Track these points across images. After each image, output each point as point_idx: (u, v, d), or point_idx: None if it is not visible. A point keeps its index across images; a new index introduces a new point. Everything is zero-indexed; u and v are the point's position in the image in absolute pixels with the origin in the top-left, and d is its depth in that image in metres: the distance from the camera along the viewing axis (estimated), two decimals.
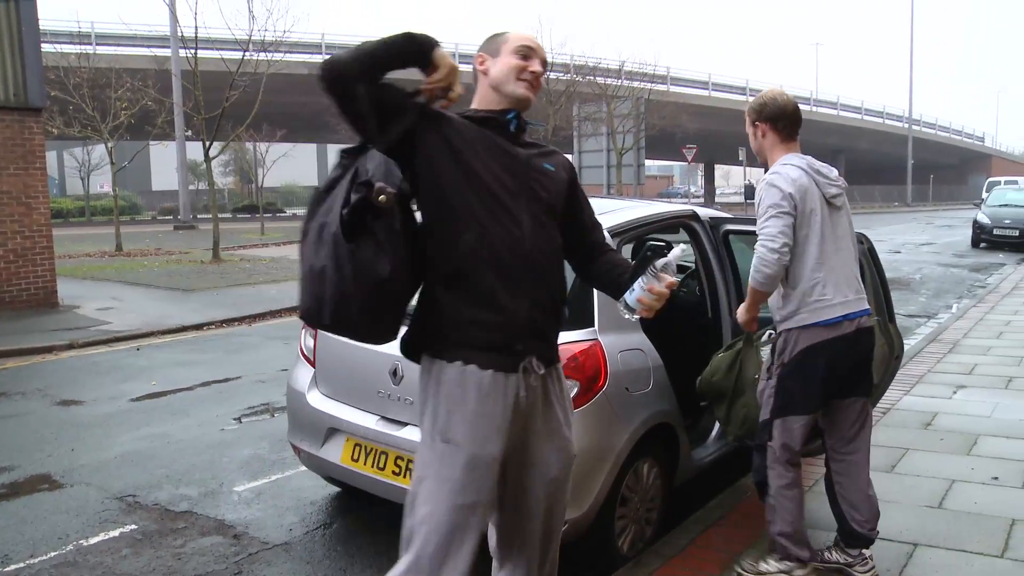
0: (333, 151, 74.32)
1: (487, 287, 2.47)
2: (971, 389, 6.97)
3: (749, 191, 37.50)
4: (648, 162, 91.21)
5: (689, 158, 39.66)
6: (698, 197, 74.58)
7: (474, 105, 2.67)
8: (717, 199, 71.87)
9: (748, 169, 48.85)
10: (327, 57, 2.39)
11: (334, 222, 2.38)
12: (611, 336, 3.83)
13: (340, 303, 2.39)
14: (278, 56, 23.32)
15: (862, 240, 4.22)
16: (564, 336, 3.74)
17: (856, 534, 3.69)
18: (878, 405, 5.40)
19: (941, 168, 76.21)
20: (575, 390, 3.62)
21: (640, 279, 2.57)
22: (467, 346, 2.49)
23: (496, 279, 2.48)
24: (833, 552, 3.78)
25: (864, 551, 3.71)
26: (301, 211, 55.82)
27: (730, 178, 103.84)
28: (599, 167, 31.93)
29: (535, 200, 2.59)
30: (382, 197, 2.36)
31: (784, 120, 3.66)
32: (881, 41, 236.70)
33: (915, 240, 26.28)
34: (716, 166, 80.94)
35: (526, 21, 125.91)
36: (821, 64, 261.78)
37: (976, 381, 7.26)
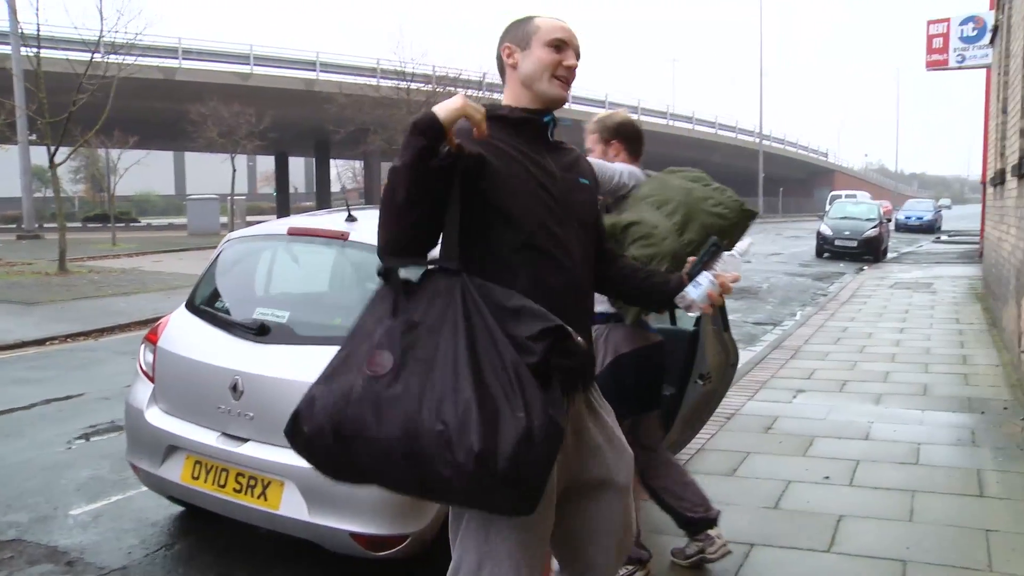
0: (191, 159, 71.76)
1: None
2: (810, 393, 7.31)
3: None
4: None
5: None
6: None
7: (506, 101, 2.46)
8: None
9: None
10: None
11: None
12: None
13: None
14: (130, 60, 22.50)
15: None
16: None
17: (694, 520, 3.83)
18: (720, 410, 5.59)
19: (790, 181, 79.69)
20: None
21: (706, 273, 2.50)
22: None
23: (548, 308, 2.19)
24: (689, 547, 3.90)
25: (710, 532, 3.84)
26: (157, 220, 53.79)
27: None
28: None
29: (581, 226, 2.44)
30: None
31: (636, 141, 3.88)
32: (735, 59, 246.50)
33: (764, 250, 27.37)
34: None
35: (387, 30, 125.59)
36: (678, 80, 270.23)
37: (814, 385, 7.62)
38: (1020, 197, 8.14)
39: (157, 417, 4.24)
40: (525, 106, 2.42)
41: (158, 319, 4.79)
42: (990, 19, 18.31)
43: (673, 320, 4.53)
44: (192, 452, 4.03)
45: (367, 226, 4.24)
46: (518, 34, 2.44)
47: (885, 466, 5.37)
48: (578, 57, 2.45)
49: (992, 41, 15.27)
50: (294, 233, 4.46)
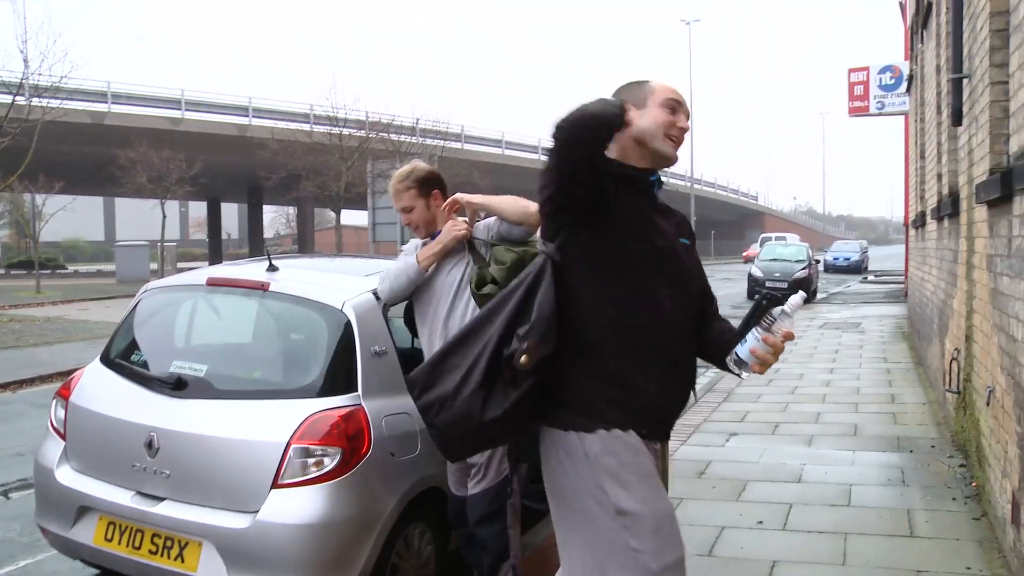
0: (121, 204, 70.36)
1: (620, 365, 2.41)
2: (743, 436, 7.33)
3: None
4: None
5: (483, 214, 40.25)
6: None
7: (615, 156, 2.53)
8: None
9: None
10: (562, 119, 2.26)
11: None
12: (375, 401, 3.74)
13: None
14: (55, 103, 22.11)
15: None
16: (325, 402, 3.66)
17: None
18: None
19: (721, 224, 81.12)
20: (336, 458, 3.51)
21: (754, 330, 2.41)
22: (601, 419, 2.41)
23: (630, 359, 2.42)
24: None
25: None
26: (85, 267, 52.49)
27: None
28: (393, 224, 31.96)
29: (677, 282, 2.52)
30: (523, 359, 2.31)
31: (445, 186, 4.03)
32: None
33: None
34: None
35: (321, 76, 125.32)
36: None
37: (747, 428, 7.64)
38: (940, 239, 8.33)
39: (68, 476, 4.05)
40: (634, 162, 2.55)
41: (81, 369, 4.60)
42: (906, 68, 18.99)
43: None
44: (105, 513, 3.85)
45: (288, 276, 4.15)
46: (634, 95, 2.55)
47: (817, 509, 5.37)
48: (688, 119, 2.58)
49: (908, 89, 15.76)
50: (213, 283, 4.33)
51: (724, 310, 2.72)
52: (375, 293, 3.94)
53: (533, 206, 3.53)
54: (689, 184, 70.59)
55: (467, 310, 3.69)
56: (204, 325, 4.52)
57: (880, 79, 19.69)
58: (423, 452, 3.86)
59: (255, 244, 53.88)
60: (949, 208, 6.87)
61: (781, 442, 7.12)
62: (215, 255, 52.11)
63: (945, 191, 7.74)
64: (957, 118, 5.89)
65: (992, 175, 4.70)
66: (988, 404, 4.94)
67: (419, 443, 3.84)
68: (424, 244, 3.90)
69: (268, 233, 60.23)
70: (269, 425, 3.62)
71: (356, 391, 3.71)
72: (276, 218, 66.68)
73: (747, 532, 5.00)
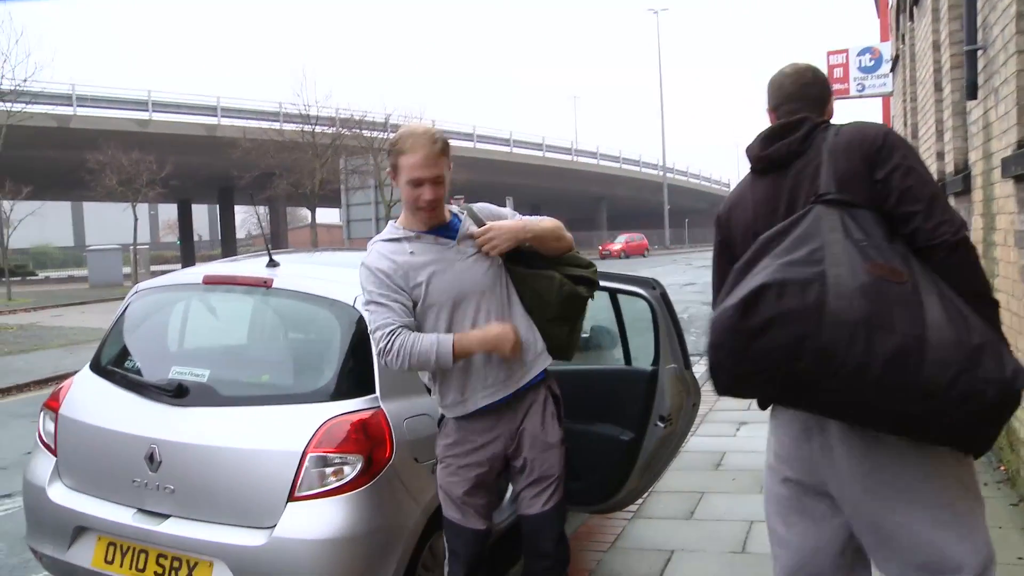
0: (90, 209, 69.47)
1: None
2: (752, 425, 7.12)
3: None
4: None
5: (456, 209, 39.92)
6: None
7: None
8: None
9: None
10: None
11: None
12: (394, 402, 3.48)
13: None
14: (19, 107, 21.61)
15: (655, 285, 4.12)
16: (341, 406, 3.40)
17: None
18: None
19: (695, 212, 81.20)
20: (358, 466, 3.25)
21: None
22: None
23: None
24: None
25: None
26: (56, 273, 51.90)
27: None
28: (368, 220, 31.62)
29: None
30: None
31: None
32: (637, 94, 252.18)
33: (678, 281, 27.56)
34: None
35: (291, 71, 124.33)
36: (581, 116, 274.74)
37: (755, 416, 7.43)
38: None
39: (62, 494, 3.77)
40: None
41: (61, 377, 4.31)
42: (885, 50, 18.90)
43: (628, 359, 4.27)
44: (104, 533, 3.57)
45: (291, 271, 3.88)
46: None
47: None
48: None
49: (893, 69, 15.66)
50: (210, 282, 4.04)
51: (708, 297, 2.52)
52: None
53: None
54: (661, 173, 70.68)
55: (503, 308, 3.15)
56: (202, 327, 4.24)
57: (860, 61, 19.55)
58: None
59: (227, 245, 53.24)
60: (958, 186, 6.69)
61: None
62: (187, 257, 51.45)
63: (949, 169, 7.57)
64: (972, 92, 5.70)
65: (1021, 148, 4.51)
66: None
67: None
68: (415, 240, 3.12)
69: (240, 234, 59.50)
70: (282, 433, 3.35)
71: (374, 392, 3.45)
72: (247, 219, 65.92)
73: None
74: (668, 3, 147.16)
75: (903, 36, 12.57)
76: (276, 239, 55.33)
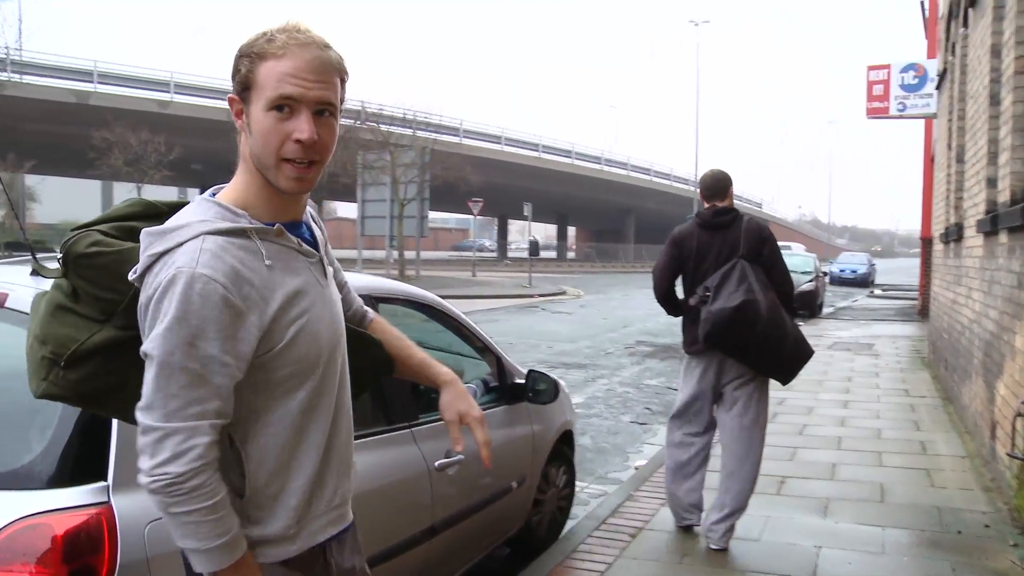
0: (120, 189, 69.65)
1: None
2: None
3: (534, 247, 37.05)
4: (444, 215, 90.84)
5: (475, 211, 38.77)
6: (492, 252, 74.48)
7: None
8: (510, 254, 72.00)
9: (533, 224, 48.62)
10: None
11: None
12: (136, 496, 2.20)
13: None
14: (15, 78, 20.69)
15: None
16: (45, 499, 2.16)
17: None
18: (623, 526, 4.05)
19: None
20: None
21: None
22: None
23: None
24: None
25: None
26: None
27: (526, 233, 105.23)
28: (382, 217, 30.50)
29: None
30: None
31: None
32: (674, 106, 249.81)
33: None
34: (510, 221, 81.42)
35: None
36: (619, 126, 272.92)
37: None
38: (990, 257, 6.81)
39: None
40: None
41: None
42: (931, 67, 17.44)
43: None
44: None
45: (40, 285, 2.60)
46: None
47: None
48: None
49: (939, 87, 14.22)
50: None
51: None
52: None
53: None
54: (693, 188, 69.17)
55: None
56: None
57: (902, 78, 18.11)
58: None
59: None
60: (1017, 219, 5.36)
61: (789, 508, 5.60)
62: None
63: (1004, 198, 6.23)
64: None
65: None
66: None
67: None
68: (268, 239, 1.72)
69: None
70: None
71: (105, 479, 2.21)
72: None
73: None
74: (710, 15, 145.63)
75: (953, 46, 11.16)
76: None
